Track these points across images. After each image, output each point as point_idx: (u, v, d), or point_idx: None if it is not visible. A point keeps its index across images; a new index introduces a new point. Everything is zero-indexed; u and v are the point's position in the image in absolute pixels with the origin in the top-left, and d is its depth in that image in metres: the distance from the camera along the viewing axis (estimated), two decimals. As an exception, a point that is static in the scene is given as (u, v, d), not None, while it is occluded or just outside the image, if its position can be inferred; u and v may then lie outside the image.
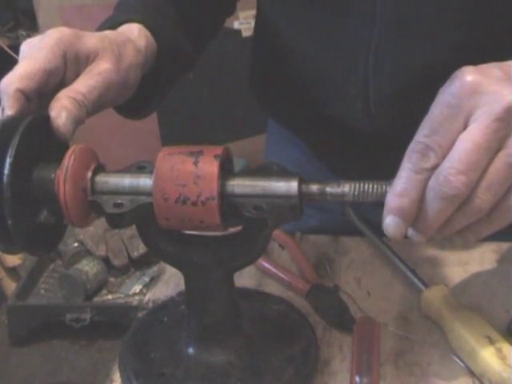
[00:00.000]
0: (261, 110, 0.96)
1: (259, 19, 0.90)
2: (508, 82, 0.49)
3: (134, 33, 0.68)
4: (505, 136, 0.47)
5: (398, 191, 0.49)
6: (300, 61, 0.81)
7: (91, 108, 0.59)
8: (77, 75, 0.60)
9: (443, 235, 0.51)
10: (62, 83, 0.60)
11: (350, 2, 0.69)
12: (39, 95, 0.58)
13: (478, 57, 0.58)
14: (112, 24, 0.69)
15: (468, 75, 0.49)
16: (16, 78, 0.56)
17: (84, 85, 0.58)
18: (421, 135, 0.49)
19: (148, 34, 0.69)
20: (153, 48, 0.70)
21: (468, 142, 0.47)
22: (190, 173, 0.52)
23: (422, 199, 0.49)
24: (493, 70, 0.50)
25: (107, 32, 0.66)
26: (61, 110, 0.56)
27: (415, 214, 0.49)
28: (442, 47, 0.69)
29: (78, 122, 0.57)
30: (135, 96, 0.68)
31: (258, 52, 0.93)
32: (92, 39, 0.62)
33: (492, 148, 0.47)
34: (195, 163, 0.53)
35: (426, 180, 0.48)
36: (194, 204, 0.52)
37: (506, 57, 0.60)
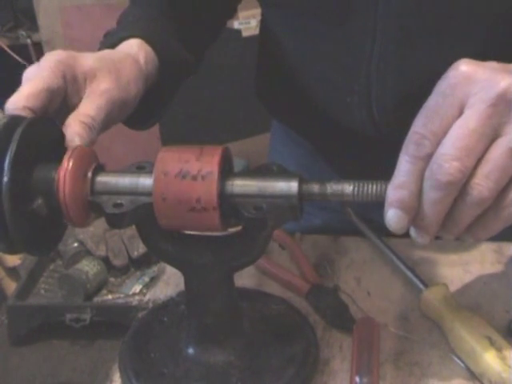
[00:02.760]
0: (261, 111, 0.96)
1: (263, 29, 0.91)
2: (502, 71, 0.49)
3: (133, 48, 0.69)
4: (501, 123, 0.47)
5: (397, 184, 0.49)
6: (304, 70, 0.81)
7: (100, 128, 0.60)
8: (78, 95, 0.61)
9: (452, 233, 0.51)
10: (65, 103, 0.61)
11: (351, 13, 0.69)
12: (45, 115, 0.59)
13: (488, 55, 0.58)
14: (112, 41, 0.70)
15: (463, 66, 0.49)
16: (22, 97, 0.57)
17: (91, 107, 0.59)
18: (417, 125, 0.49)
19: (148, 47, 0.70)
20: (153, 61, 0.71)
21: (462, 127, 0.47)
22: (192, 152, 0.53)
23: (421, 190, 0.49)
24: (488, 62, 0.50)
25: (105, 51, 0.67)
26: (74, 136, 0.57)
27: (416, 206, 0.49)
28: (444, 57, 0.69)
29: (89, 144, 0.58)
30: (139, 108, 0.69)
31: (263, 60, 0.94)
32: (88, 60, 0.63)
33: (487, 134, 0.47)
34: (199, 150, 0.54)
35: (423, 170, 0.48)
36: (194, 178, 0.52)
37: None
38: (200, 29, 0.83)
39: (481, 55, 0.59)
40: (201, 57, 0.83)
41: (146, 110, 0.71)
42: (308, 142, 0.93)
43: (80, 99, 0.61)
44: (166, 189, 0.53)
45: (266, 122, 1.07)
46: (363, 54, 0.71)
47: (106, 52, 0.67)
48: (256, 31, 0.94)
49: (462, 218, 0.50)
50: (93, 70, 0.62)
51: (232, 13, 0.91)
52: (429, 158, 0.48)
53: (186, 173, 0.52)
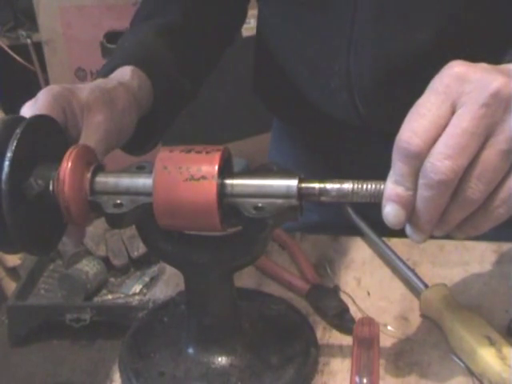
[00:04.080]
0: (261, 111, 0.97)
1: (259, 25, 0.93)
2: (494, 71, 0.49)
3: (126, 75, 0.71)
4: (493, 123, 0.47)
5: (393, 180, 0.49)
6: (294, 58, 0.84)
7: (101, 159, 0.61)
8: (76, 128, 0.62)
9: (442, 231, 0.51)
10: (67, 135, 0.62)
11: None
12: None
13: (457, 44, 0.59)
14: (108, 69, 0.72)
15: (456, 67, 0.50)
16: None
17: (91, 141, 0.60)
18: (408, 122, 0.49)
19: (141, 74, 0.72)
20: (147, 87, 0.72)
21: (455, 126, 0.47)
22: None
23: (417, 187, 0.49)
24: (480, 64, 0.50)
25: (98, 81, 0.69)
26: None
27: (413, 202, 0.49)
28: (420, 35, 0.73)
29: None
30: (135, 134, 0.70)
31: (259, 55, 0.96)
32: (83, 93, 0.64)
33: (480, 133, 0.47)
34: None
35: (417, 167, 0.48)
36: (199, 152, 0.53)
37: (485, 43, 0.61)
38: (198, 57, 0.85)
39: (456, 33, 0.59)
40: (199, 84, 0.85)
41: (142, 135, 0.73)
42: (304, 137, 0.95)
43: (78, 131, 0.62)
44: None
45: (265, 123, 1.07)
46: (343, 34, 0.75)
47: (100, 82, 0.69)
48: (255, 31, 0.95)
49: (452, 216, 0.50)
50: (88, 102, 0.63)
51: (231, 41, 0.93)
52: (420, 155, 0.48)
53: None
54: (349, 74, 0.77)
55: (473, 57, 0.51)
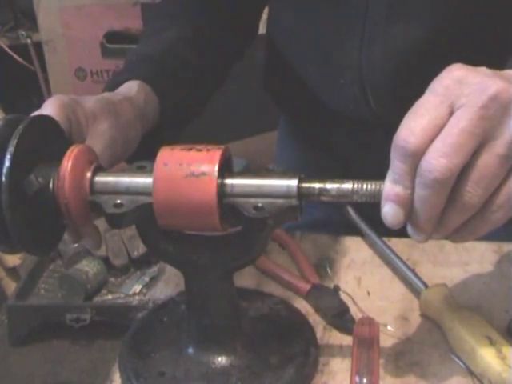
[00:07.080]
0: (261, 110, 0.98)
1: (270, 16, 0.94)
2: (494, 76, 0.49)
3: (132, 90, 0.72)
4: (491, 126, 0.47)
5: (392, 179, 0.50)
6: (303, 50, 0.85)
7: (107, 167, 0.61)
8: (81, 136, 0.63)
9: (441, 234, 0.51)
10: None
11: None
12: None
13: (465, 39, 0.59)
14: (115, 84, 0.73)
15: (456, 70, 0.50)
16: None
17: (96, 148, 0.61)
18: (406, 121, 0.49)
19: (148, 89, 0.73)
20: (153, 103, 0.73)
21: (452, 126, 0.47)
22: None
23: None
24: (481, 68, 0.50)
25: (104, 94, 0.70)
26: None
27: (411, 201, 0.49)
28: (429, 29, 0.73)
29: None
30: (141, 147, 0.71)
31: (270, 48, 0.96)
32: (89, 102, 0.64)
33: (477, 134, 0.47)
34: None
35: (415, 166, 0.48)
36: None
37: (492, 36, 0.65)
38: (206, 72, 0.86)
39: (465, 27, 0.64)
40: (206, 99, 0.86)
41: (149, 148, 0.73)
42: (312, 134, 0.96)
43: (83, 140, 0.62)
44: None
45: (266, 122, 1.07)
46: (355, 29, 0.76)
47: (106, 95, 0.69)
48: (265, 29, 0.96)
49: (450, 221, 0.50)
50: (93, 111, 0.64)
51: (239, 57, 0.94)
52: (417, 154, 0.48)
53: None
54: (360, 68, 0.78)
55: (480, 56, 0.51)
